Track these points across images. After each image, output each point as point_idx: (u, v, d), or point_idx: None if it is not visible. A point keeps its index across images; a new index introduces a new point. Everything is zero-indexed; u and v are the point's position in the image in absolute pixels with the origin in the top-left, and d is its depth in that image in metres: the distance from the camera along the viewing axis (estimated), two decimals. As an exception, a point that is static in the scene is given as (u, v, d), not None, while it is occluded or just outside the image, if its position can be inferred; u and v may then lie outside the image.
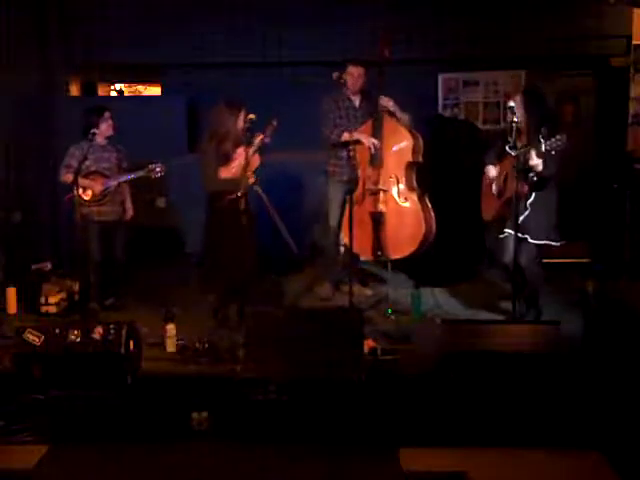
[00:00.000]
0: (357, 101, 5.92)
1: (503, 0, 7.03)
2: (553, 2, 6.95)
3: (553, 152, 4.75)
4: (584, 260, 6.80)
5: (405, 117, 5.73)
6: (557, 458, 3.50)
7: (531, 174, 4.93)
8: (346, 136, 5.69)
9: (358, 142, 5.65)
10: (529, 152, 4.83)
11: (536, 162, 4.83)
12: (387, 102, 5.65)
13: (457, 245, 6.71)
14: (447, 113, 7.51)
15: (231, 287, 5.33)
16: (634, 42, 6.91)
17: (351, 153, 5.68)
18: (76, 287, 5.95)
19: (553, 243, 5.16)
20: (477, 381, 3.98)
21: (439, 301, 5.77)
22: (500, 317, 5.43)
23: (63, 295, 5.86)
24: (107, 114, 5.77)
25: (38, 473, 3.47)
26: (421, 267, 5.97)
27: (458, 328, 4.33)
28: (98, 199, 5.70)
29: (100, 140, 5.73)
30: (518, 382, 3.95)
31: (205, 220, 5.38)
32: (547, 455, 3.51)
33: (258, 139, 5.15)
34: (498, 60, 7.29)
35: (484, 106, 7.39)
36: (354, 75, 5.80)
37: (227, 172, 5.23)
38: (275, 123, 5.16)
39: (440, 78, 7.51)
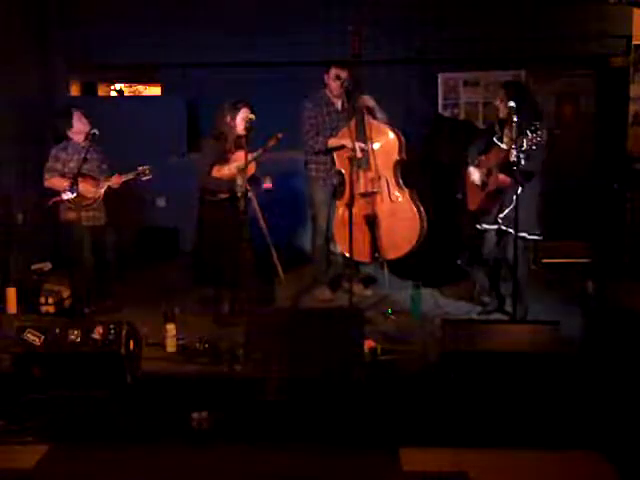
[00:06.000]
0: (339, 104, 5.79)
1: (503, 0, 7.04)
2: (553, 2, 6.95)
3: (534, 147, 4.74)
4: (584, 260, 6.80)
5: (384, 116, 5.65)
6: (557, 458, 3.50)
7: (514, 168, 4.85)
8: (331, 142, 5.60)
9: (343, 147, 5.54)
10: (514, 147, 4.79)
11: (516, 158, 4.79)
12: (368, 101, 5.53)
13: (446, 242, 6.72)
14: (447, 113, 7.53)
15: (225, 285, 5.36)
16: (634, 42, 6.92)
17: (334, 158, 5.63)
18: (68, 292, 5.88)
19: (536, 237, 5.17)
20: (477, 381, 3.98)
21: (438, 301, 5.76)
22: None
23: (62, 295, 5.84)
24: (77, 113, 5.59)
25: (38, 473, 3.47)
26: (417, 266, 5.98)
27: (458, 328, 4.32)
28: (88, 204, 5.51)
29: (79, 141, 5.57)
30: (518, 382, 3.95)
31: (197, 216, 5.41)
32: (547, 455, 3.51)
33: (259, 151, 5.12)
34: (498, 60, 7.29)
35: (484, 106, 7.39)
36: (338, 77, 5.61)
37: (221, 172, 5.24)
38: (280, 136, 5.07)
39: (440, 78, 7.52)
